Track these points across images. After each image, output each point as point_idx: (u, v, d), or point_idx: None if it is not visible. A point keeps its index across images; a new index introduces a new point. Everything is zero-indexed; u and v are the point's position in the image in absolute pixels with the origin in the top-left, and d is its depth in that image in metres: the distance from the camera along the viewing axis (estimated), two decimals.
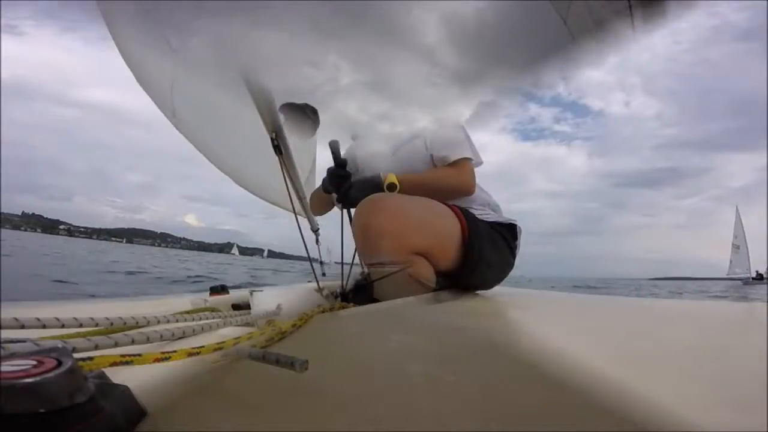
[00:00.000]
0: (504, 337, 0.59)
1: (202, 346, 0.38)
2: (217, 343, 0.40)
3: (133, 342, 0.34)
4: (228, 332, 0.49)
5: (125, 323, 0.40)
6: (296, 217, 1.45)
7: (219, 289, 1.32)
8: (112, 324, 0.38)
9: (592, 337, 0.55)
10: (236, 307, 1.19)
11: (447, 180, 1.09)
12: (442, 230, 0.95)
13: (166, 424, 0.26)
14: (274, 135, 1.04)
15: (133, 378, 0.28)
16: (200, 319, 0.50)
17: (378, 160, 1.17)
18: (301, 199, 1.63)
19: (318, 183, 1.55)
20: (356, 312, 0.69)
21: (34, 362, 0.21)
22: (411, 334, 0.58)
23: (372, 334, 0.58)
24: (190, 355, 0.36)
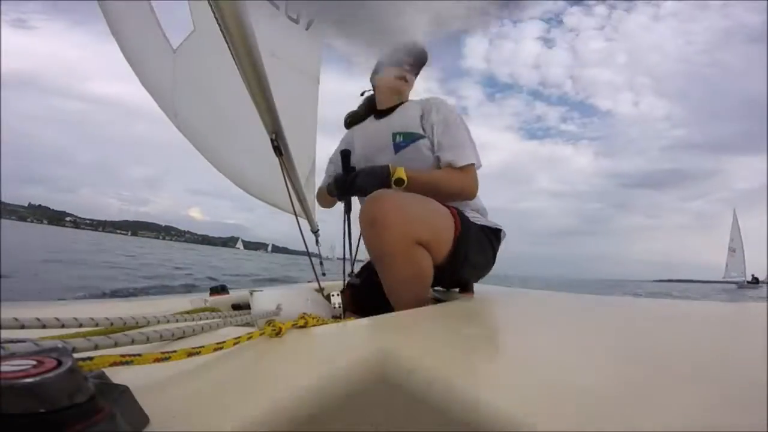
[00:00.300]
0: (500, 337, 0.59)
1: (202, 346, 0.38)
2: (217, 343, 0.40)
3: (133, 342, 0.34)
4: (228, 332, 0.49)
5: (125, 323, 0.40)
6: (297, 218, 1.45)
7: (219, 289, 1.33)
8: (112, 324, 0.38)
9: (589, 337, 0.55)
10: (236, 307, 1.19)
11: (453, 183, 1.11)
12: (439, 229, 0.97)
13: (165, 424, 0.26)
14: (274, 136, 1.04)
15: (133, 378, 0.28)
16: (200, 319, 0.50)
17: (380, 160, 1.17)
18: (301, 200, 1.63)
19: (318, 183, 1.56)
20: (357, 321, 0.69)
21: (34, 362, 0.21)
22: (410, 335, 0.58)
23: (371, 334, 0.58)
24: (190, 355, 0.36)
